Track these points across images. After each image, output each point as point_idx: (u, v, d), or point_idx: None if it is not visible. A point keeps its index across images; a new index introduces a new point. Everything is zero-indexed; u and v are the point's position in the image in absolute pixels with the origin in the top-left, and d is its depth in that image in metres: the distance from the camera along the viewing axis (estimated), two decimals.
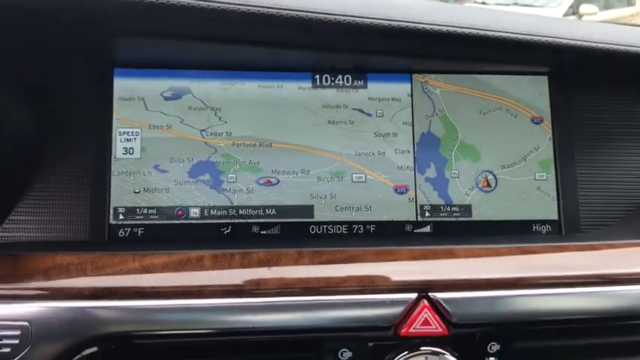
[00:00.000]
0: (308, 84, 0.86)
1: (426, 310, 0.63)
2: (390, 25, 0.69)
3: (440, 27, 0.71)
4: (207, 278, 0.63)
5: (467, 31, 0.72)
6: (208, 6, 0.63)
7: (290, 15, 0.66)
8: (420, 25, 0.70)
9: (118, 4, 0.62)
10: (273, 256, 0.64)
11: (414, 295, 0.63)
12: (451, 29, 0.71)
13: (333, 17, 0.67)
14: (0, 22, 0.65)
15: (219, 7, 0.64)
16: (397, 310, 0.63)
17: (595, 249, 0.70)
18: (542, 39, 0.75)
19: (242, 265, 0.64)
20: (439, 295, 0.63)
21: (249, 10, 0.65)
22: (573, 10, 5.63)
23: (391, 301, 0.63)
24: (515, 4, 5.72)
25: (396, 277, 0.64)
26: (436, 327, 0.64)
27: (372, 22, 0.68)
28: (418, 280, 0.64)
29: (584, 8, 5.60)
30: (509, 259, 0.68)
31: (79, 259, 0.63)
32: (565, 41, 0.76)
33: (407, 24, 0.70)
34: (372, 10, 0.70)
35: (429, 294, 0.64)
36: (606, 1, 6.01)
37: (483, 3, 5.97)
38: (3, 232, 0.77)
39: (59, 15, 0.64)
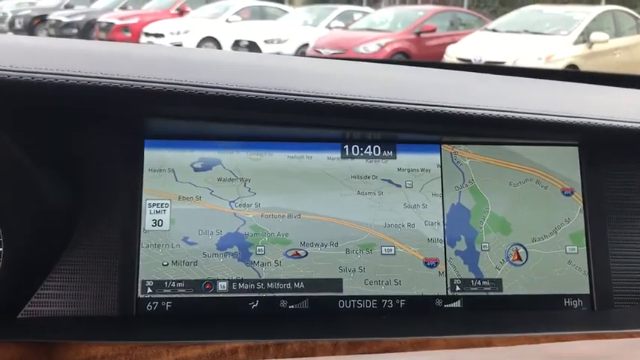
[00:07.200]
0: (337, 154, 0.85)
1: None
2: (422, 109, 0.69)
3: (466, 110, 0.71)
4: None
5: (493, 113, 0.72)
6: (238, 95, 0.64)
7: (324, 102, 0.66)
8: (447, 109, 0.70)
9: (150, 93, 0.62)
10: (308, 347, 0.64)
11: None
12: (477, 112, 0.71)
13: (362, 103, 0.68)
14: (56, 103, 0.66)
15: (248, 95, 0.65)
16: None
17: (632, 337, 0.69)
18: (571, 120, 0.74)
19: (276, 357, 0.63)
20: None
21: (277, 98, 0.65)
22: (584, 38, 5.64)
23: None
24: (526, 31, 5.75)
25: None
26: None
27: (407, 108, 0.68)
28: None
29: (595, 36, 5.61)
30: (546, 348, 0.67)
31: (113, 351, 0.62)
32: (594, 121, 0.75)
33: (437, 108, 0.70)
34: (398, 93, 0.70)
35: None
36: (617, 29, 6.02)
37: (494, 30, 6.01)
38: (31, 305, 0.76)
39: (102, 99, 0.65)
